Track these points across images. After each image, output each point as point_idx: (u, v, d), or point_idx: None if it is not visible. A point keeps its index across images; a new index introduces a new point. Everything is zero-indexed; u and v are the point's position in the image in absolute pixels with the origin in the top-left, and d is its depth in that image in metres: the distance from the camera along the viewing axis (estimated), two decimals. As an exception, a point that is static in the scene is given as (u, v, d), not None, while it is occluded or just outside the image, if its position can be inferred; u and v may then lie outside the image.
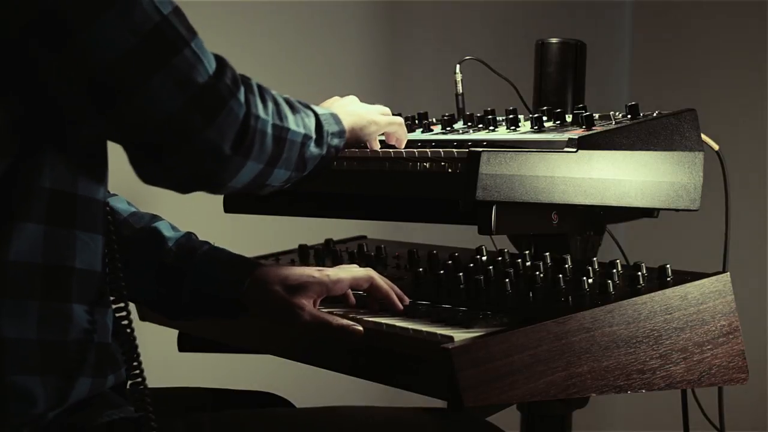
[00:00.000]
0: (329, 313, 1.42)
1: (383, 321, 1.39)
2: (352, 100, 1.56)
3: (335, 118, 1.44)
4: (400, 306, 1.46)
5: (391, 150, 1.53)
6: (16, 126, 1.16)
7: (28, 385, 1.17)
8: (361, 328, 1.39)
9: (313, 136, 1.36)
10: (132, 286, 1.52)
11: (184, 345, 1.86)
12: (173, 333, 1.85)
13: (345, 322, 1.40)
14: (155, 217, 1.54)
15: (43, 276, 1.18)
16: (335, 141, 1.42)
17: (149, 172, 1.24)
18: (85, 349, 1.21)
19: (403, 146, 1.56)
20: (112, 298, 1.26)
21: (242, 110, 1.21)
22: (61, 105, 1.18)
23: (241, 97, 1.21)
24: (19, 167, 1.17)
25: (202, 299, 1.48)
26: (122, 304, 1.27)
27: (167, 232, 1.53)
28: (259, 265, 1.46)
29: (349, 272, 1.45)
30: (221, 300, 1.46)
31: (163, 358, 2.23)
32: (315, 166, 1.39)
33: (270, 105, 1.27)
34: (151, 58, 1.15)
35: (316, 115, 1.39)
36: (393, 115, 1.58)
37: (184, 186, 1.26)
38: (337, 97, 1.57)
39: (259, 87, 1.27)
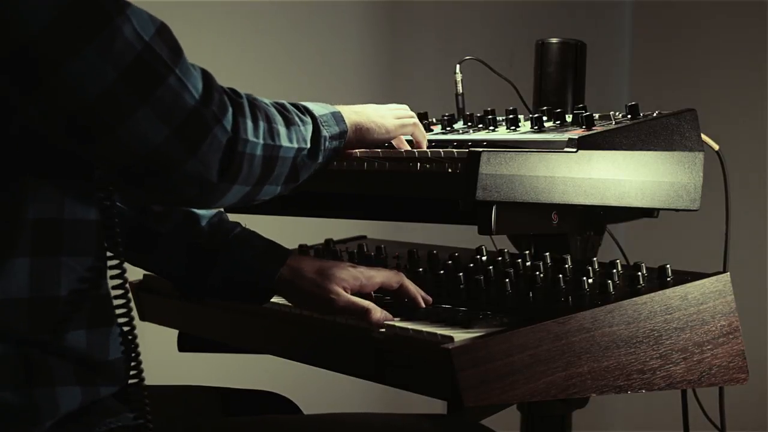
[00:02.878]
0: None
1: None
2: (373, 105, 1.51)
3: (337, 117, 1.40)
4: (428, 305, 1.46)
5: (391, 150, 1.53)
6: None
7: (14, 400, 1.15)
8: (391, 321, 1.39)
9: (308, 146, 1.33)
10: (159, 262, 1.52)
11: (184, 345, 1.86)
12: (173, 333, 1.85)
13: (381, 312, 1.39)
14: None
15: (29, 310, 1.16)
16: (334, 144, 1.39)
17: (131, 194, 1.22)
18: (73, 368, 1.19)
19: (424, 147, 1.53)
20: (120, 311, 1.24)
21: (227, 136, 1.18)
22: (41, 136, 1.15)
23: (227, 122, 1.18)
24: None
25: (232, 285, 1.48)
26: (126, 319, 1.24)
27: (200, 210, 1.53)
28: (292, 253, 1.46)
29: (381, 272, 1.45)
30: (252, 287, 1.46)
31: (163, 358, 2.23)
32: (310, 175, 1.37)
33: (261, 125, 1.24)
34: (134, 93, 1.11)
35: (314, 120, 1.36)
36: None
37: (168, 205, 1.24)
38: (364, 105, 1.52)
39: (251, 105, 1.24)
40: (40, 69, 1.08)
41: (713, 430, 1.74)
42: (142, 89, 1.12)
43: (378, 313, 1.39)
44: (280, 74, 2.87)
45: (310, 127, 1.34)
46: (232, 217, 1.65)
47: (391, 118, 1.49)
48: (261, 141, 1.23)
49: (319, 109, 1.39)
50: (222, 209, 1.58)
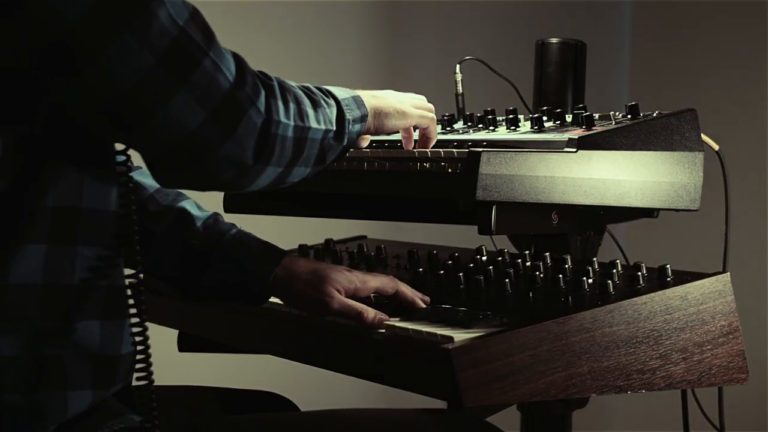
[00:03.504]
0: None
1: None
2: (388, 91, 1.51)
3: (357, 101, 1.40)
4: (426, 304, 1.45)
5: (391, 150, 1.53)
6: (17, 147, 1.14)
7: (26, 402, 1.15)
8: (390, 321, 1.39)
9: (334, 128, 1.34)
10: (154, 262, 1.51)
11: (184, 345, 1.85)
12: (173, 333, 1.84)
13: (375, 314, 1.39)
14: (180, 195, 1.54)
15: (42, 296, 1.16)
16: (356, 127, 1.39)
17: (167, 179, 1.23)
18: (88, 363, 1.19)
19: (431, 146, 1.53)
20: (133, 311, 1.24)
21: (261, 118, 1.19)
22: (77, 123, 1.15)
23: (261, 104, 1.19)
24: (21, 188, 1.14)
25: (227, 286, 1.48)
26: (138, 311, 1.24)
27: (194, 211, 1.53)
28: (286, 254, 1.46)
29: (377, 277, 1.45)
30: (247, 288, 1.46)
31: (163, 358, 2.23)
32: (335, 157, 1.37)
33: (292, 106, 1.25)
34: (171, 77, 1.12)
35: (338, 103, 1.37)
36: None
37: (203, 189, 1.25)
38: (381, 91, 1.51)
39: (281, 87, 1.25)
40: (78, 59, 1.09)
41: (713, 430, 1.74)
42: (179, 74, 1.13)
43: (371, 314, 1.39)
44: (280, 74, 2.86)
45: (335, 110, 1.35)
46: (232, 217, 1.65)
47: (409, 105, 1.49)
48: (292, 122, 1.24)
49: (340, 92, 1.39)
50: (217, 212, 1.58)
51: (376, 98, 1.45)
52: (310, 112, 1.29)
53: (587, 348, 1.32)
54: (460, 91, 1.79)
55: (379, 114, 1.44)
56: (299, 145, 1.27)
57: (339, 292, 1.41)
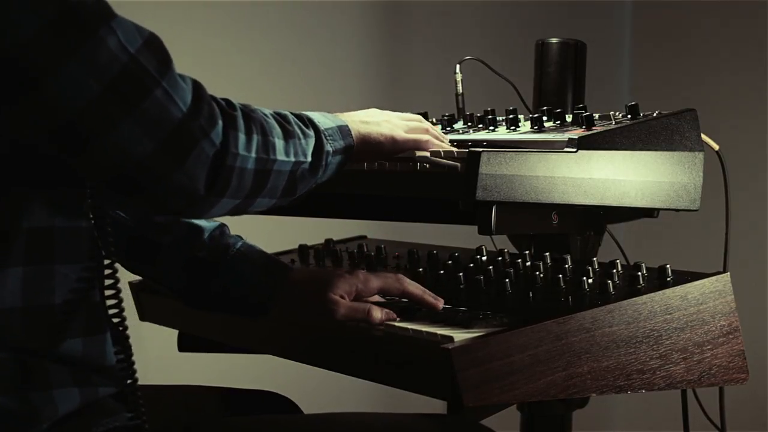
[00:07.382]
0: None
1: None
2: (384, 114, 1.47)
3: (343, 131, 1.37)
4: (439, 306, 1.43)
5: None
6: None
7: (14, 402, 1.15)
8: (396, 318, 1.40)
9: (308, 160, 1.30)
10: (160, 272, 1.52)
11: (184, 345, 1.86)
12: (173, 333, 1.85)
13: (381, 312, 1.39)
14: None
15: (23, 318, 1.16)
16: (338, 158, 1.36)
17: (122, 203, 1.22)
18: (69, 370, 1.19)
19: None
20: (113, 311, 1.24)
21: (213, 149, 1.15)
22: (31, 147, 1.14)
23: (216, 135, 1.15)
24: None
25: (229, 299, 1.48)
26: (119, 320, 1.24)
27: (201, 222, 1.53)
28: (290, 269, 1.46)
29: (380, 277, 1.44)
30: (247, 303, 1.47)
31: (163, 358, 2.23)
32: (310, 188, 1.34)
33: (255, 138, 1.21)
34: (119, 104, 1.09)
35: (318, 133, 1.33)
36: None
37: (159, 215, 1.24)
38: (374, 110, 1.47)
39: (246, 117, 1.21)
40: (22, 82, 1.07)
41: (713, 430, 1.74)
42: (127, 102, 1.10)
43: (377, 312, 1.39)
44: (279, 75, 2.87)
45: (312, 141, 1.32)
46: (226, 220, 1.65)
47: (401, 130, 1.45)
48: (253, 155, 1.21)
49: (325, 121, 1.36)
50: (224, 223, 1.58)
51: (366, 124, 1.42)
52: (279, 143, 1.25)
53: (587, 348, 1.32)
54: (460, 91, 1.79)
55: (368, 142, 1.41)
56: (261, 178, 1.23)
57: (342, 297, 1.40)
